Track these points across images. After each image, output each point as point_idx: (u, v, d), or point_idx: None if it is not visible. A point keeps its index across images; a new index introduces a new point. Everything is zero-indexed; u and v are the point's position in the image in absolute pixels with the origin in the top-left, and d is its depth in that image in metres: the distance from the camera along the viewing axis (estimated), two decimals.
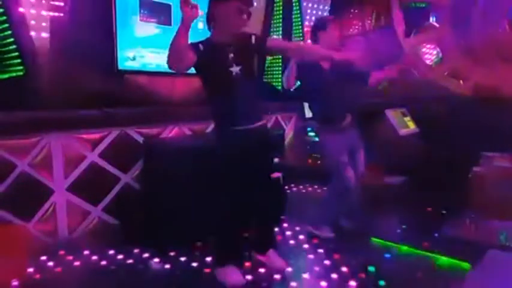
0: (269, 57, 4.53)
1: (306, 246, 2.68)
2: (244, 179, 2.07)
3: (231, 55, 1.98)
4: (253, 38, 2.06)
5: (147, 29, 3.19)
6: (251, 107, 2.06)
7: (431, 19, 4.39)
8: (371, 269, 2.32)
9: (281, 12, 4.53)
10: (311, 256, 2.53)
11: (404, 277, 2.25)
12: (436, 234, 2.84)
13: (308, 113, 4.65)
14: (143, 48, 3.18)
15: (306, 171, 4.52)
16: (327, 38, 2.68)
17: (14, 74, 2.56)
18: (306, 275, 2.25)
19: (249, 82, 2.04)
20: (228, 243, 2.23)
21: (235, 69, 1.98)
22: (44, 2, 2.69)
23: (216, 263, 2.24)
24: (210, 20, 2.02)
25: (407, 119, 4.28)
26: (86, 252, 2.56)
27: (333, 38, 2.70)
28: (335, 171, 2.73)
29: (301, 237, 2.83)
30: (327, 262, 2.42)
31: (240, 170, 2.05)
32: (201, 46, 1.96)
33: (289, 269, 2.31)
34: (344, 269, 2.32)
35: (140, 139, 3.16)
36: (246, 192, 2.11)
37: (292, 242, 2.76)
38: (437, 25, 4.27)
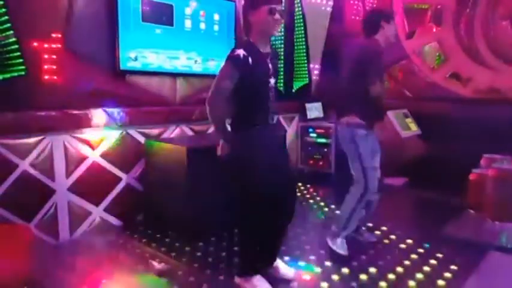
0: None
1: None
2: (273, 181, 1.98)
3: (270, 65, 2.01)
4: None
5: (149, 29, 3.19)
6: (271, 114, 2.07)
7: (433, 20, 4.38)
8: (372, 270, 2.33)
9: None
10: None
11: (403, 278, 2.25)
12: (437, 236, 2.84)
13: (310, 114, 4.67)
14: (145, 48, 3.18)
15: (307, 172, 4.53)
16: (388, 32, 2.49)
17: (16, 74, 2.56)
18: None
19: (273, 94, 2.08)
20: (256, 251, 2.08)
21: (272, 81, 2.03)
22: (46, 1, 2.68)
23: (241, 273, 2.11)
24: (247, 28, 2.04)
25: (409, 120, 4.28)
26: (87, 252, 2.56)
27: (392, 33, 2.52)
28: (366, 177, 2.47)
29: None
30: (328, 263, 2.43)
31: (269, 173, 1.97)
32: (250, 60, 1.91)
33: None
34: (345, 270, 2.33)
35: (142, 139, 3.16)
36: (275, 195, 1.99)
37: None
38: (439, 26, 4.27)
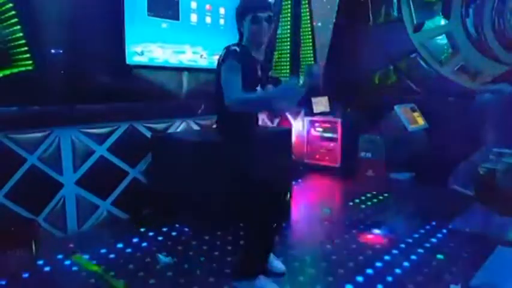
0: (276, 52, 4.52)
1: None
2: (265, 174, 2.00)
3: (259, 73, 2.00)
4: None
5: (155, 23, 3.19)
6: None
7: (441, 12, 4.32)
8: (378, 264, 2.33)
9: (289, 8, 4.50)
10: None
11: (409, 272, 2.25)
12: (445, 230, 2.82)
13: (316, 108, 4.64)
14: (151, 43, 3.18)
15: (313, 167, 4.52)
16: None
17: (24, 69, 2.58)
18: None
19: None
20: (261, 250, 2.03)
21: (258, 89, 2.01)
22: None
23: (242, 275, 2.01)
24: (240, 37, 2.03)
25: (416, 114, 4.24)
26: (95, 245, 2.59)
27: None
28: None
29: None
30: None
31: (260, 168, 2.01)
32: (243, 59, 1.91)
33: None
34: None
35: (148, 134, 3.17)
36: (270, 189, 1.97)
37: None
38: (448, 19, 4.21)
